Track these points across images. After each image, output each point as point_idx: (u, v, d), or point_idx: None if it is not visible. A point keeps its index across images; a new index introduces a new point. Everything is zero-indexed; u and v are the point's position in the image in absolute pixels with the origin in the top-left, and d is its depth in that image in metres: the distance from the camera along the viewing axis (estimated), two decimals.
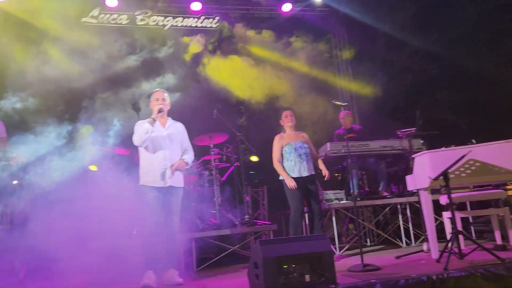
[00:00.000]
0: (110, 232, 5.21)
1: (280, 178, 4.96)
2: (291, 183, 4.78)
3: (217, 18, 8.30)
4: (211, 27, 8.29)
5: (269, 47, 8.75)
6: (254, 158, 7.07)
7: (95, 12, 7.63)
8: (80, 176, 5.92)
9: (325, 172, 4.99)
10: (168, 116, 4.36)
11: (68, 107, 6.90)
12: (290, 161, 4.93)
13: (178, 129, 4.36)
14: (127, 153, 5.92)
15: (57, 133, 5.64)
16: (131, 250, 4.70)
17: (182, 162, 4.17)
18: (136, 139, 4.07)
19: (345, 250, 5.56)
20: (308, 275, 3.17)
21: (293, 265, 3.17)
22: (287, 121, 5.09)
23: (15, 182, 5.97)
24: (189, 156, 4.32)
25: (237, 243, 5.71)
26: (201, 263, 5.08)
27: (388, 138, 6.09)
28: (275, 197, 8.09)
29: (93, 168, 6.09)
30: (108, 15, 7.71)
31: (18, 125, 5.91)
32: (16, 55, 6.63)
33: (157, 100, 4.20)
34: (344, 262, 4.61)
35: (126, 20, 7.81)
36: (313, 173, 4.96)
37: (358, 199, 5.82)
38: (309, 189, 4.95)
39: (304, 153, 4.94)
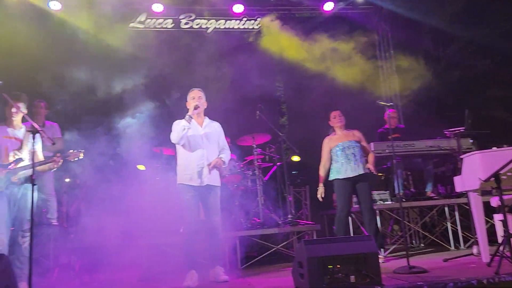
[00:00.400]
0: (157, 230, 5.41)
1: (330, 178, 4.98)
2: (318, 194, 4.96)
3: (258, 19, 8.37)
4: (253, 28, 8.37)
5: (311, 45, 8.71)
6: (295, 158, 7.07)
7: (142, 18, 7.91)
8: (128, 175, 6.18)
9: (370, 167, 4.91)
10: (205, 116, 4.43)
11: (117, 108, 7.21)
12: (337, 162, 4.93)
13: (215, 128, 4.42)
14: (174, 154, 6.09)
15: (107, 132, 5.90)
16: (178, 247, 4.87)
17: (220, 160, 4.22)
18: (174, 136, 4.17)
19: (390, 252, 5.46)
20: (353, 276, 3.17)
21: (338, 265, 3.17)
22: (335, 121, 5.08)
23: (67, 180, 6.31)
24: (226, 155, 4.37)
25: (280, 242, 5.75)
26: (245, 261, 5.17)
27: (434, 137, 5.94)
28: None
29: (141, 167, 6.32)
30: (154, 20, 7.97)
31: (70, 125, 6.21)
32: (66, 58, 7.00)
33: (194, 98, 4.28)
34: (390, 264, 4.55)
35: (171, 24, 8.05)
36: (362, 172, 4.88)
37: (404, 200, 5.70)
38: (358, 189, 4.90)
39: (352, 153, 4.89)
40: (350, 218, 5.66)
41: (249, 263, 5.15)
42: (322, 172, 5.03)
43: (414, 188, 6.61)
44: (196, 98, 4.28)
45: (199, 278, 4.04)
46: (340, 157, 4.90)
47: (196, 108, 4.18)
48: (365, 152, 5.09)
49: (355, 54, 8.64)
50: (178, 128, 4.12)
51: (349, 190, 4.88)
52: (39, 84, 6.37)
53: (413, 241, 6.52)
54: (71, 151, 4.09)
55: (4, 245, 3.74)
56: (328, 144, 5.04)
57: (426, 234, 6.19)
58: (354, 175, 4.84)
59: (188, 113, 4.18)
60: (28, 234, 3.89)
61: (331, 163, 5.01)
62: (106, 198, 6.17)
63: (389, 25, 8.86)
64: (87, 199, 6.34)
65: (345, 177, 4.84)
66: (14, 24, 6.95)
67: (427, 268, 3.84)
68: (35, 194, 3.99)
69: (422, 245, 6.42)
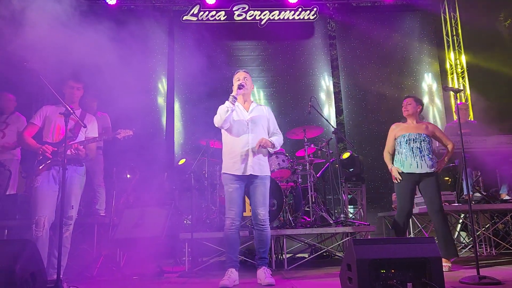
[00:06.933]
0: (201, 225, 5.24)
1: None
2: (395, 175, 4.37)
3: (314, 9, 8.00)
4: (308, 18, 8.02)
5: (373, 35, 8.30)
6: (346, 155, 6.54)
7: (195, 10, 7.85)
8: (176, 169, 6.08)
9: (439, 164, 4.40)
10: (252, 100, 4.08)
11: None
12: (401, 154, 4.42)
13: (262, 111, 4.02)
14: (221, 147, 5.89)
15: (154, 125, 5.83)
16: (221, 243, 4.66)
17: (267, 141, 3.78)
18: (217, 119, 3.81)
19: (455, 261, 4.87)
20: (410, 283, 2.74)
21: (393, 270, 2.75)
22: (403, 110, 4.58)
23: (128, 176, 6.31)
24: (277, 138, 3.94)
25: (332, 243, 5.35)
26: (293, 262, 4.85)
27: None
28: (375, 197, 7.56)
29: (181, 162, 6.19)
30: (207, 12, 7.88)
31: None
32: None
33: (239, 80, 3.92)
34: (455, 273, 4.01)
35: (224, 16, 7.91)
36: (429, 170, 4.33)
37: (473, 202, 5.08)
38: (422, 188, 4.36)
39: (418, 147, 4.35)
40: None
41: (297, 263, 4.82)
42: (387, 157, 4.56)
43: (485, 189, 5.93)
44: (241, 79, 3.92)
45: (246, 277, 3.79)
46: (404, 148, 4.40)
47: (240, 87, 3.81)
48: (444, 145, 4.56)
49: (421, 42, 8.12)
50: (222, 110, 3.78)
51: (411, 187, 4.35)
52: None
53: (483, 249, 5.82)
54: (119, 130, 3.97)
55: (45, 230, 3.52)
56: (393, 131, 4.55)
57: (499, 241, 5.50)
58: (420, 172, 4.32)
59: (232, 94, 3.82)
60: (71, 222, 3.80)
61: (394, 153, 4.54)
62: (154, 192, 6.13)
63: (459, 9, 8.09)
64: (135, 192, 6.32)
65: (408, 171, 4.33)
66: None
67: (501, 280, 3.30)
68: (83, 179, 3.88)
69: (494, 254, 5.71)
